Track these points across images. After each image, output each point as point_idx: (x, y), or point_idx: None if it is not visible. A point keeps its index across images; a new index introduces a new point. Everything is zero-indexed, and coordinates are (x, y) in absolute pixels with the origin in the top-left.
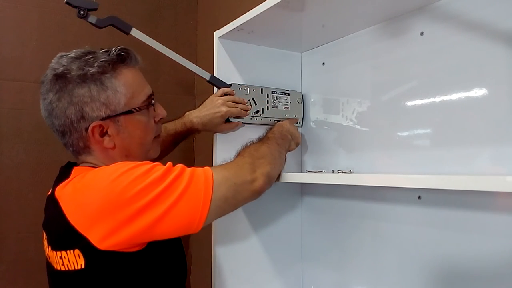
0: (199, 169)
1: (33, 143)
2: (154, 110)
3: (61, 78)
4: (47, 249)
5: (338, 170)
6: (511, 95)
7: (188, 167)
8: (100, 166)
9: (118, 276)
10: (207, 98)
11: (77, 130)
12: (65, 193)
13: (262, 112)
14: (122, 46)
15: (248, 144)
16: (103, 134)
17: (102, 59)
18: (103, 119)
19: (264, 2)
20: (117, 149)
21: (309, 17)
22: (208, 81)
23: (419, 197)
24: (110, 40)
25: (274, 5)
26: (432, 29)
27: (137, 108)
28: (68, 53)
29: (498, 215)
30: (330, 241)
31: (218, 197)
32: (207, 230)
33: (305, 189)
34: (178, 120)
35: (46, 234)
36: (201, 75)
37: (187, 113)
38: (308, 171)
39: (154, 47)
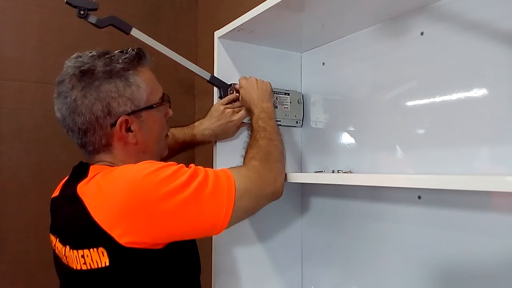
0: (222, 176)
1: (33, 143)
2: (168, 106)
3: (87, 74)
4: (64, 250)
5: (338, 170)
6: (511, 95)
7: (190, 164)
8: (117, 165)
9: (142, 273)
10: (207, 98)
11: (102, 127)
12: (88, 190)
13: None
14: (137, 47)
15: (252, 140)
16: (128, 129)
17: (124, 57)
18: (128, 114)
19: (264, 2)
20: (138, 145)
21: (309, 17)
22: (208, 81)
23: (419, 197)
24: (110, 40)
25: (274, 5)
26: (432, 29)
27: (156, 104)
28: (85, 53)
29: (498, 215)
30: (330, 241)
31: (239, 208)
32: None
33: (305, 189)
34: (187, 130)
35: (60, 235)
36: (201, 75)
37: (196, 124)
38: (309, 171)
39: (154, 47)
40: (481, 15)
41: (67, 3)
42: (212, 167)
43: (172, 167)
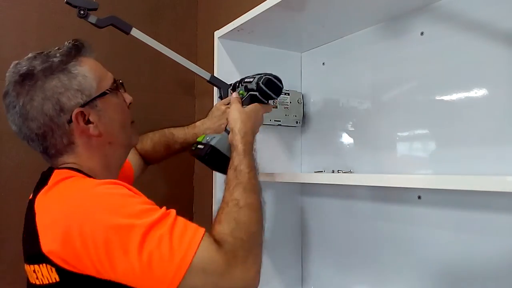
0: (190, 229)
1: None
2: (124, 91)
3: (27, 77)
4: (25, 264)
5: (338, 170)
6: (511, 95)
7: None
8: (82, 165)
9: None
10: (207, 98)
11: (59, 126)
12: (42, 204)
13: None
14: (74, 38)
15: (231, 196)
16: (87, 122)
17: (61, 50)
18: (82, 106)
19: (264, 2)
20: (102, 137)
21: (309, 17)
22: (208, 81)
23: (419, 197)
24: (110, 40)
25: (274, 5)
26: (432, 29)
27: (109, 90)
28: (20, 60)
29: (498, 215)
30: (330, 241)
31: (187, 284)
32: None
33: (305, 189)
34: (188, 130)
35: (22, 245)
36: (201, 75)
37: (198, 123)
38: (309, 171)
39: (154, 47)
40: (481, 15)
41: (67, 3)
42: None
43: (130, 198)
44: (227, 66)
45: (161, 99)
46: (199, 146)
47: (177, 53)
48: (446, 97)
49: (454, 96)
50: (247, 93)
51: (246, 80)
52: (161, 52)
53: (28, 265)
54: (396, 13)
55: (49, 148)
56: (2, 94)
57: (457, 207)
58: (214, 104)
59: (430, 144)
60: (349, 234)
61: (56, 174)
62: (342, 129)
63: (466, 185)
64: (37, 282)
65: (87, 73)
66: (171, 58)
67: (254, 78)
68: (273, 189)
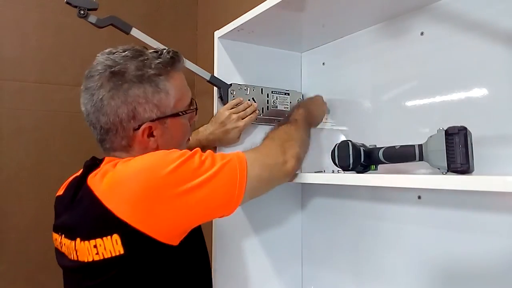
0: (230, 153)
1: (33, 143)
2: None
3: (117, 75)
4: (74, 244)
5: (338, 170)
6: (511, 95)
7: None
8: None
9: (157, 266)
10: (207, 98)
11: (124, 129)
12: (99, 180)
13: (262, 112)
14: (173, 49)
15: (277, 126)
16: (150, 135)
17: (158, 61)
18: (153, 120)
19: (264, 2)
20: (157, 150)
21: (309, 17)
22: (208, 81)
23: (419, 197)
24: (110, 40)
25: (274, 5)
26: (432, 29)
27: (183, 112)
28: (118, 50)
29: (498, 215)
30: (330, 241)
31: (252, 176)
32: (207, 230)
33: (305, 189)
34: (192, 136)
35: (67, 231)
36: (201, 75)
37: (201, 129)
38: (309, 171)
39: (154, 47)
40: (481, 15)
41: (67, 3)
42: None
43: (177, 152)
44: (227, 66)
45: None
46: None
47: None
48: (446, 97)
49: (454, 96)
50: None
51: None
52: None
53: (85, 242)
54: (396, 13)
55: (106, 141)
56: (86, 73)
57: (457, 207)
58: (214, 104)
59: None
60: (349, 234)
61: (107, 160)
62: (342, 129)
63: (466, 185)
64: (95, 258)
65: (171, 90)
66: None
67: None
68: (273, 189)
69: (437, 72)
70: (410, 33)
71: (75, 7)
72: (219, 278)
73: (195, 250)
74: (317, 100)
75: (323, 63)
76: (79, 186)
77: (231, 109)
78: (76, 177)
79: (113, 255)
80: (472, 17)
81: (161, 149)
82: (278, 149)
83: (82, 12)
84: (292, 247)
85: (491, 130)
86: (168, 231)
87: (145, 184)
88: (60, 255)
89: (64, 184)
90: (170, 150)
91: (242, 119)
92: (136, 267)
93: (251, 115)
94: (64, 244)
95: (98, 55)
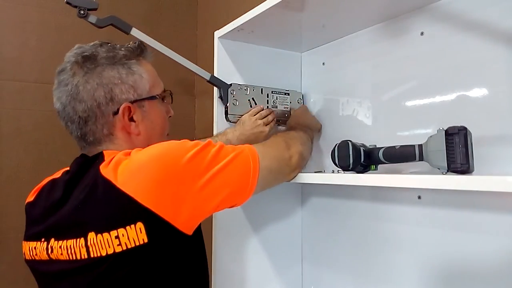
0: (239, 145)
1: (33, 143)
2: (170, 103)
3: (90, 59)
4: (83, 241)
5: (338, 170)
6: (511, 95)
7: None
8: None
9: (173, 255)
10: (207, 98)
11: (103, 114)
12: (115, 169)
13: None
14: (138, 41)
15: (277, 132)
16: (130, 119)
17: (127, 46)
18: (131, 102)
19: (264, 2)
20: (141, 136)
21: (309, 17)
22: (208, 81)
23: (419, 197)
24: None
25: (274, 5)
26: (432, 29)
27: (158, 95)
28: (85, 44)
29: (498, 215)
30: (330, 241)
31: (263, 167)
32: (207, 230)
33: (305, 189)
34: (220, 137)
35: (67, 231)
36: (201, 75)
37: (228, 130)
38: (309, 171)
39: (154, 47)
40: (481, 15)
41: (67, 3)
42: None
43: (199, 143)
44: (227, 66)
45: None
46: None
47: (177, 53)
48: (446, 97)
49: (454, 96)
50: None
51: None
52: (161, 52)
53: (105, 234)
54: (396, 13)
55: (87, 134)
56: (57, 70)
57: (457, 207)
58: (214, 104)
59: None
60: (349, 234)
61: (108, 153)
62: (342, 129)
63: (466, 185)
64: (117, 250)
65: (144, 74)
66: (171, 58)
67: None
68: (273, 189)
69: (437, 72)
70: (410, 33)
71: (75, 7)
72: (219, 278)
73: (201, 242)
74: (300, 111)
75: (323, 63)
76: (74, 183)
77: (255, 115)
78: (55, 179)
79: (137, 244)
80: (472, 17)
81: (144, 136)
82: (283, 144)
83: (82, 12)
84: (292, 247)
85: (491, 130)
86: (187, 219)
87: (166, 169)
88: (43, 263)
89: (35, 190)
90: (182, 140)
91: (266, 125)
92: (157, 257)
93: (274, 122)
94: (59, 246)
95: (66, 54)
